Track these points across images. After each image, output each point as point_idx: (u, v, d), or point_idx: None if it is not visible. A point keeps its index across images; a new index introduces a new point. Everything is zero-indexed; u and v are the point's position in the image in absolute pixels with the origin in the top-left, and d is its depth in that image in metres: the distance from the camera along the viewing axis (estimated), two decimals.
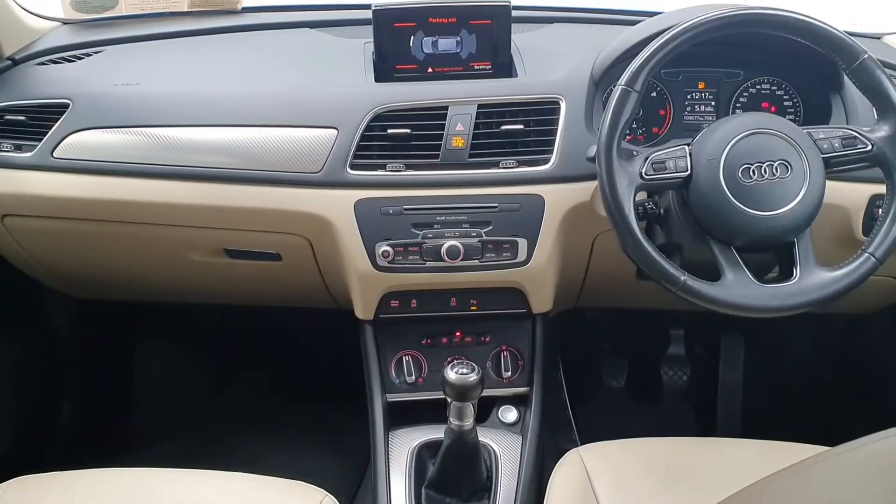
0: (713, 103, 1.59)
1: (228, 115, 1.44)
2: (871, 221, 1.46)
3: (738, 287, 1.23)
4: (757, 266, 1.27)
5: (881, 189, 1.40)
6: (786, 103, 1.59)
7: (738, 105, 1.59)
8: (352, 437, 1.84)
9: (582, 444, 1.40)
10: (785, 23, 1.25)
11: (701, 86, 1.59)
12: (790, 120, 1.43)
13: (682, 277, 1.23)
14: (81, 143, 1.43)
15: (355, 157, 1.40)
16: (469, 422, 1.28)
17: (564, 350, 2.08)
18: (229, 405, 2.18)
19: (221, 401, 2.19)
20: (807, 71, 1.53)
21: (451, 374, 1.23)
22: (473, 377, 1.23)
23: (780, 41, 1.42)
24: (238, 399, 2.19)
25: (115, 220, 1.51)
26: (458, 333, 1.54)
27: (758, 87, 1.59)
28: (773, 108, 1.58)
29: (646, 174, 1.25)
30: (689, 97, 1.59)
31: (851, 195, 1.46)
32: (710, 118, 1.59)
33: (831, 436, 1.35)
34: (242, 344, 2.25)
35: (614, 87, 1.26)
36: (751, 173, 1.22)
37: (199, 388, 2.21)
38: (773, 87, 1.58)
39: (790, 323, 2.06)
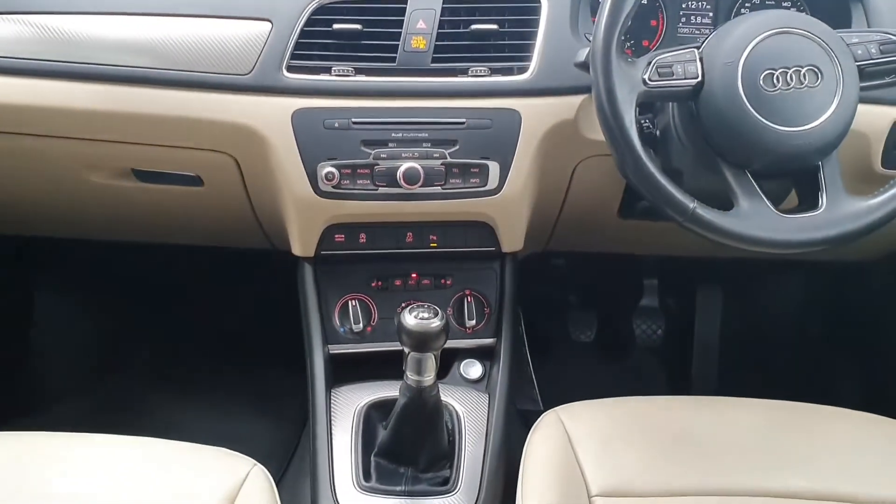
0: (711, 14, 1.42)
1: (136, 1, 1.22)
2: (892, 151, 1.31)
3: (756, 217, 1.07)
4: (768, 195, 1.10)
5: None
6: None
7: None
8: (286, 400, 1.66)
9: (543, 403, 1.22)
10: None
11: None
12: None
13: (692, 205, 1.06)
14: None
15: (293, 57, 1.20)
16: (430, 377, 1.10)
17: (526, 301, 1.90)
18: (142, 361, 1.96)
19: (133, 356, 1.96)
20: None
21: (410, 319, 1.05)
22: (437, 323, 1.05)
23: None
24: (153, 354, 1.97)
25: None
26: (413, 275, 1.36)
27: None
28: None
29: (650, 80, 1.07)
30: (684, 6, 1.41)
31: (871, 119, 1.29)
32: (707, 31, 1.42)
33: (818, 395, 1.22)
34: (158, 289, 2.01)
35: None
36: (774, 80, 1.06)
37: (107, 340, 1.98)
38: None
39: (772, 274, 1.92)
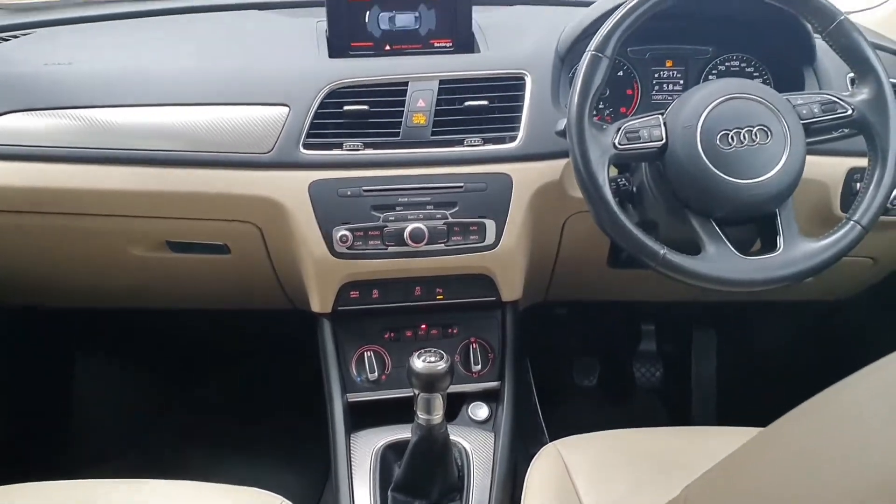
0: (682, 81, 1.55)
1: (168, 93, 1.35)
2: (849, 196, 1.42)
3: (720, 260, 1.17)
4: (737, 242, 1.21)
5: (859, 162, 1.37)
6: (755, 79, 1.54)
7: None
8: (311, 448, 1.73)
9: None
10: None
11: (668, 64, 1.54)
12: None
13: (662, 251, 1.17)
14: (7, 127, 1.33)
15: (309, 135, 1.33)
16: (438, 415, 1.19)
17: (533, 349, 1.99)
18: (178, 418, 2.04)
19: (169, 413, 2.06)
20: (777, 44, 1.50)
21: (418, 363, 1.15)
22: (442, 365, 1.15)
23: (749, 12, 1.39)
24: (187, 411, 2.06)
25: (45, 212, 1.39)
26: (423, 326, 1.46)
27: (727, 63, 1.54)
28: None
29: (619, 144, 1.19)
30: (656, 76, 1.54)
31: (829, 169, 1.42)
32: (678, 96, 1.54)
33: None
34: (190, 351, 2.12)
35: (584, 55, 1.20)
36: (729, 139, 1.17)
37: (145, 400, 2.07)
38: (743, 64, 1.54)
39: (763, 315, 2.02)
